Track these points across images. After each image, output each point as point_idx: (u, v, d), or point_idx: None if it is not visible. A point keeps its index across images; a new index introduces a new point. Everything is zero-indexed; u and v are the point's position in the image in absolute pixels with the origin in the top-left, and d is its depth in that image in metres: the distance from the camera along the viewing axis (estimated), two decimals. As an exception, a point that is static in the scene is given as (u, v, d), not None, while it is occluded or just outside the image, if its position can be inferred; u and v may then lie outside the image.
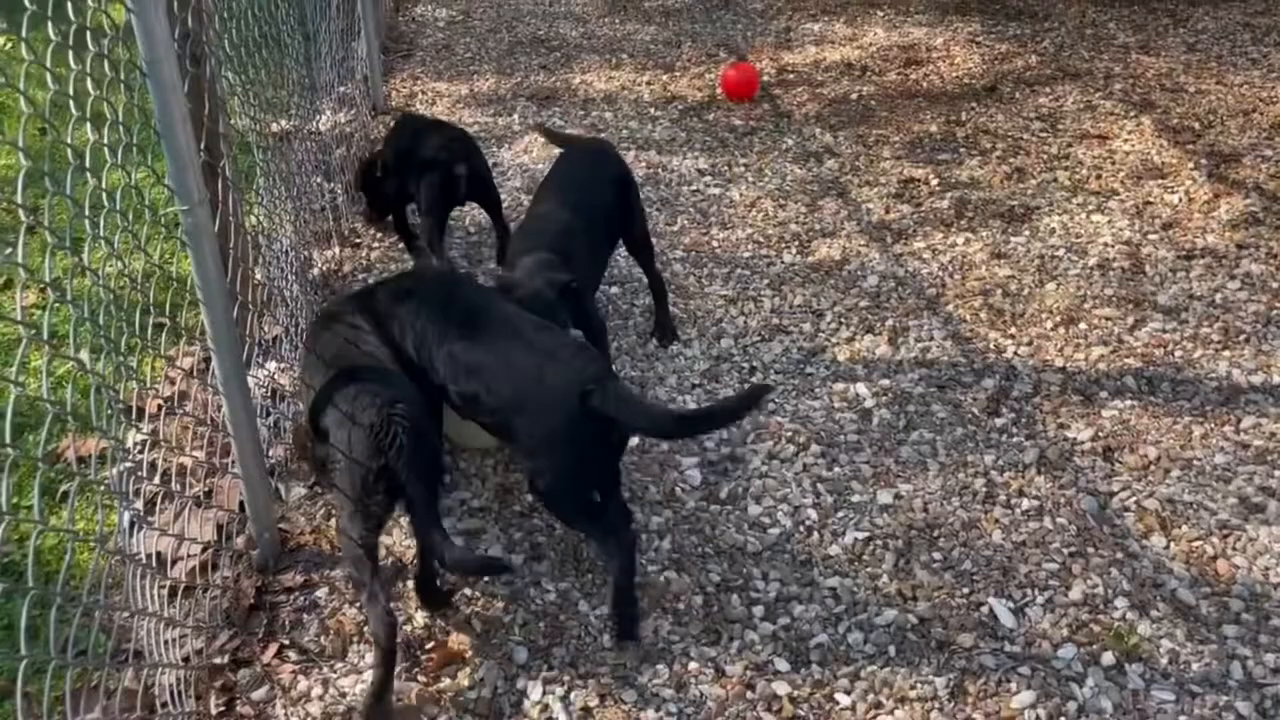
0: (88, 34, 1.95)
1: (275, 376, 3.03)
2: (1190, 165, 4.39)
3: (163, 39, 2.00)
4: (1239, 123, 4.76)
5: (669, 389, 3.19)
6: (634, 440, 2.94)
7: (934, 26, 6.24)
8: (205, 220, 2.20)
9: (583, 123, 5.07)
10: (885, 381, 3.19)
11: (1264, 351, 3.24)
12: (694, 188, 4.37)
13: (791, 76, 5.60)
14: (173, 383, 2.99)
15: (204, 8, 2.69)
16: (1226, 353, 3.25)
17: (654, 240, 3.53)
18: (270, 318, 3.16)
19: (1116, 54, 5.66)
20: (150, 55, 1.99)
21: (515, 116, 5.17)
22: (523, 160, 4.69)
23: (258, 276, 3.15)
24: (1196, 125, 4.76)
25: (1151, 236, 3.90)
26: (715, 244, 3.99)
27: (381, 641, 2.14)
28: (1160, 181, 4.29)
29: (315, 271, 3.72)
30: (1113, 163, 4.47)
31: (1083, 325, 3.41)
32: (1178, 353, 3.26)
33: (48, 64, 1.79)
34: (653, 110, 5.18)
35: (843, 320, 3.50)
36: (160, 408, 2.61)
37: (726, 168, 4.57)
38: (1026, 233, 3.97)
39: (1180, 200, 4.13)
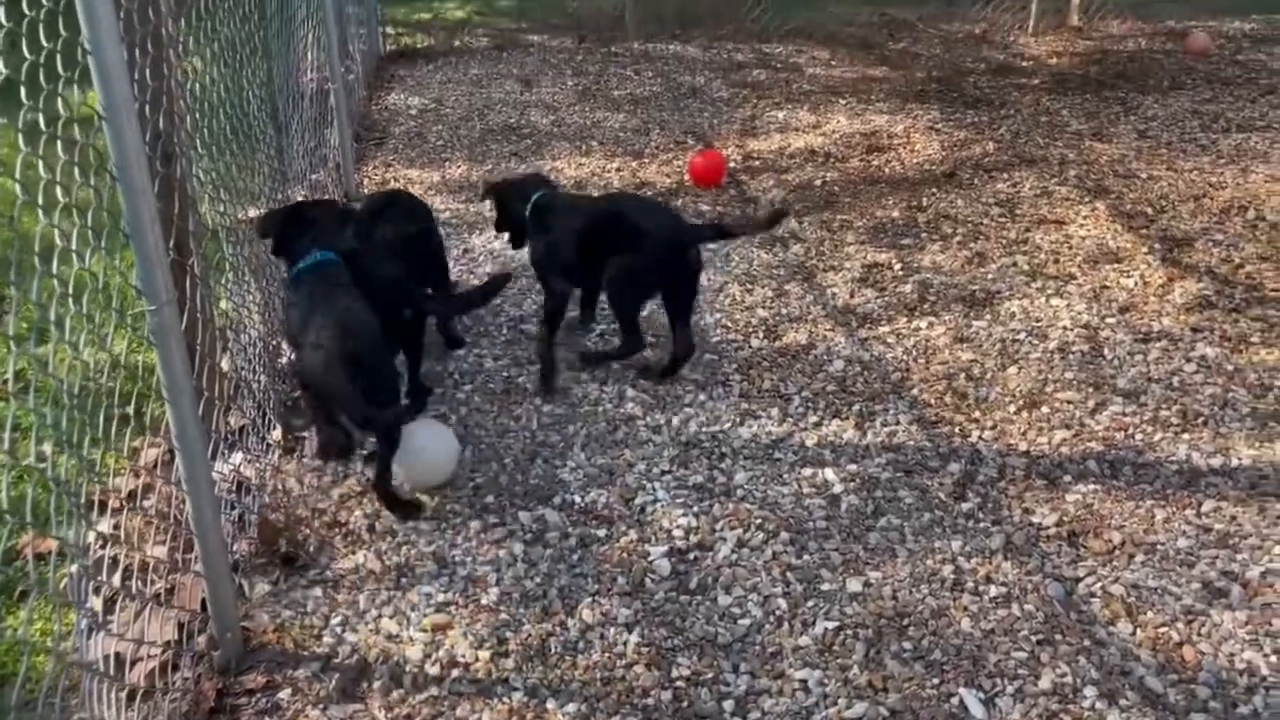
0: (59, 142, 1.98)
1: (241, 469, 3.00)
2: (1144, 250, 4.52)
3: (133, 144, 2.03)
4: (1190, 207, 4.92)
5: (638, 475, 3.19)
6: (601, 530, 2.94)
7: (895, 114, 6.43)
8: (172, 319, 2.20)
9: (553, 209, 5.14)
10: (853, 466, 3.22)
11: (1221, 434, 3.30)
12: (662, 273, 4.42)
13: (757, 163, 5.73)
14: (136, 476, 2.95)
15: (176, 110, 2.73)
16: (1186, 435, 3.30)
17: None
18: (237, 410, 3.15)
19: (1070, 141, 5.86)
20: (121, 160, 2.02)
21: (487, 203, 5.23)
22: (493, 246, 4.75)
23: (225, 368, 3.15)
24: (1149, 210, 4.91)
25: (1109, 320, 3.99)
26: (683, 329, 4.02)
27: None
28: (1116, 266, 4.40)
29: (283, 360, 3.72)
30: (1069, 247, 4.59)
31: (1045, 409, 3.46)
32: (1138, 436, 3.31)
33: (16, 173, 1.81)
34: (622, 196, 5.27)
35: (810, 405, 3.54)
36: (122, 504, 2.58)
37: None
38: (988, 316, 4.05)
39: (1136, 284, 4.24)
